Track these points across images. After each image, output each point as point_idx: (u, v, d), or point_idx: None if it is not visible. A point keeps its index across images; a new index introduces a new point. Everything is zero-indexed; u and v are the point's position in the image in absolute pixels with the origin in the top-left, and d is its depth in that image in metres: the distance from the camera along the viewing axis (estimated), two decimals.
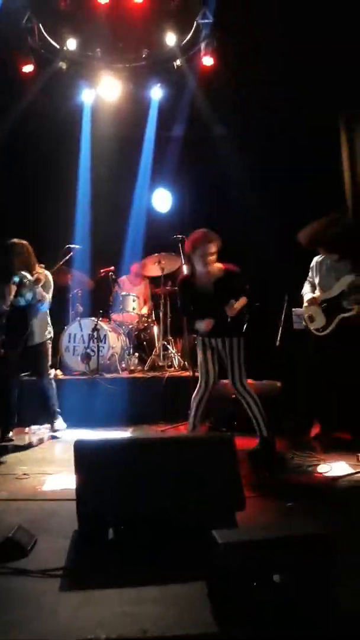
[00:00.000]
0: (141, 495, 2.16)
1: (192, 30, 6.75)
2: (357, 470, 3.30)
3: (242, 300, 3.96)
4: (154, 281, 6.59)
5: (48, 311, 4.69)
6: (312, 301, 4.23)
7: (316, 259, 4.28)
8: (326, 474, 3.27)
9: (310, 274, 4.38)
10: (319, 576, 1.57)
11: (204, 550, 1.78)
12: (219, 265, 3.92)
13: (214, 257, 3.88)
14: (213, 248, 3.85)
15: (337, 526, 2.32)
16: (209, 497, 2.18)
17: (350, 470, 3.32)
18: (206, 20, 6.59)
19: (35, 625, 1.61)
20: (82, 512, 2.16)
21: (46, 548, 2.17)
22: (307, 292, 4.36)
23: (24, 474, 3.33)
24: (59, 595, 1.80)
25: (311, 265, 4.36)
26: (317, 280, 4.26)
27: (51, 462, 3.66)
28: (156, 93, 7.16)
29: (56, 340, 5.82)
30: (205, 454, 2.29)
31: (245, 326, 4.11)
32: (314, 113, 6.16)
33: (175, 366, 5.93)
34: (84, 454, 2.26)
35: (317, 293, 4.22)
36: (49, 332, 4.71)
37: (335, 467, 3.37)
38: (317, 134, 6.29)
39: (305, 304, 4.33)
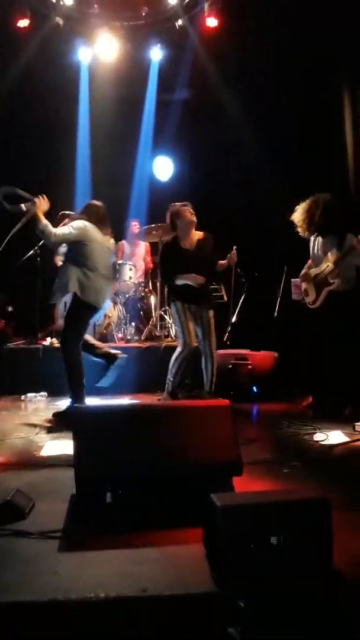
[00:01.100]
0: (138, 460, 2.17)
1: None
2: (354, 438, 3.33)
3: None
4: (152, 251, 6.51)
5: None
6: (304, 277, 4.45)
7: (312, 238, 4.46)
8: (322, 442, 3.30)
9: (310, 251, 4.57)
10: (317, 539, 1.58)
11: (201, 513, 1.79)
12: (198, 232, 4.41)
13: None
14: (194, 217, 4.35)
15: (334, 492, 2.33)
16: (206, 462, 2.19)
17: (346, 438, 3.35)
18: None
19: (36, 585, 1.62)
20: (80, 477, 2.16)
21: (44, 511, 2.18)
22: (305, 268, 4.54)
23: (21, 440, 3.34)
24: (58, 556, 1.81)
25: (310, 244, 4.54)
26: (312, 258, 4.47)
27: (49, 429, 3.66)
28: (156, 54, 6.93)
29: (52, 308, 5.80)
30: (203, 420, 2.29)
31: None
32: (319, 79, 5.99)
33: (172, 336, 5.92)
34: (82, 420, 2.25)
35: (312, 270, 4.43)
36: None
37: (331, 436, 3.40)
38: (321, 100, 6.13)
39: (300, 279, 4.54)
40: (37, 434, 3.52)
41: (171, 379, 4.36)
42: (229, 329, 5.97)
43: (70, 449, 2.84)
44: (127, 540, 1.90)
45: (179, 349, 4.34)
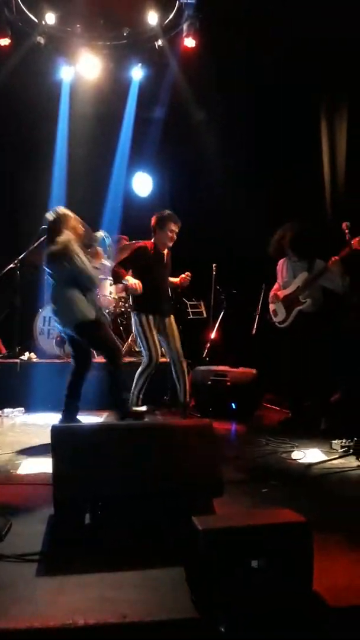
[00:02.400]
0: (118, 480, 2.15)
1: (175, 10, 6.62)
2: (330, 457, 3.37)
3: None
4: None
5: None
6: (274, 297, 4.65)
7: (281, 261, 4.69)
8: (300, 461, 3.33)
9: (278, 275, 4.76)
10: (297, 562, 1.59)
11: (182, 535, 1.78)
12: None
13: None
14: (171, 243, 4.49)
15: (312, 512, 2.35)
16: (187, 482, 2.18)
17: (323, 457, 3.39)
18: (189, 1, 6.46)
19: (13, 611, 1.58)
20: (59, 498, 2.13)
21: (21, 532, 2.14)
22: (273, 290, 4.74)
23: None
24: (36, 581, 1.77)
25: (277, 268, 4.75)
26: (280, 281, 4.68)
27: (26, 445, 3.61)
28: (137, 73, 7.02)
29: (31, 323, 5.74)
30: (184, 440, 2.29)
31: None
32: (296, 101, 6.14)
33: None
34: (61, 439, 2.23)
35: (280, 291, 4.63)
36: None
37: (309, 454, 3.43)
38: (298, 123, 6.27)
39: (270, 300, 4.72)
40: (14, 451, 3.46)
41: (136, 394, 4.34)
42: (208, 345, 6.00)
43: (48, 467, 2.81)
44: (106, 563, 1.87)
45: (145, 364, 4.33)
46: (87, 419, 4.58)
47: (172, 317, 4.48)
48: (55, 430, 2.23)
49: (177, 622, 1.51)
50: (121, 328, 6.30)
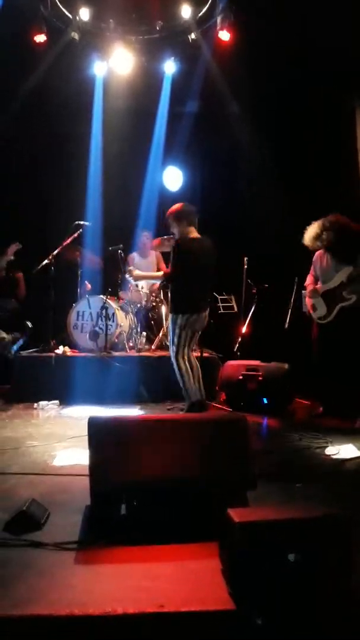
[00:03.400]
0: (154, 472, 2.17)
1: (209, 3, 6.56)
2: None
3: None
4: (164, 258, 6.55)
5: None
6: (313, 292, 4.55)
7: (317, 253, 4.60)
8: (334, 456, 3.29)
9: (312, 267, 4.69)
10: (336, 556, 1.58)
11: (217, 527, 1.79)
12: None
13: None
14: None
15: (347, 508, 2.32)
16: (221, 475, 2.19)
17: (358, 453, 3.34)
18: None
19: (51, 597, 1.62)
20: (95, 489, 2.17)
21: (59, 522, 2.19)
22: (309, 284, 4.67)
23: (34, 449, 3.36)
24: (74, 569, 1.82)
25: (313, 259, 4.66)
26: (318, 273, 4.58)
27: (61, 437, 3.68)
28: (169, 67, 6.99)
29: (65, 317, 5.84)
30: (218, 433, 2.30)
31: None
32: (331, 94, 6.02)
33: None
34: (98, 431, 2.26)
35: (319, 285, 4.54)
36: None
37: (343, 450, 3.38)
38: (332, 113, 6.16)
39: (307, 295, 4.63)
40: (49, 443, 3.53)
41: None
42: (239, 339, 5.98)
43: (82, 459, 2.88)
44: (142, 553, 1.91)
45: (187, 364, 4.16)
46: (122, 411, 4.65)
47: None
48: (92, 423, 2.27)
49: (213, 613, 1.52)
50: (152, 322, 6.34)
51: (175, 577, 1.74)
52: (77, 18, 6.21)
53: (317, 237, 4.45)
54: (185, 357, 4.11)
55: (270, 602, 1.53)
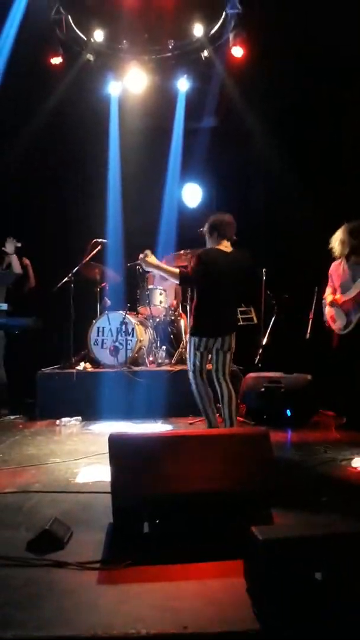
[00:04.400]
0: (176, 489, 2.15)
1: (220, 21, 6.66)
2: None
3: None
4: None
5: None
6: (333, 303, 4.50)
7: (334, 264, 4.57)
8: None
9: (330, 278, 4.64)
10: None
11: (241, 545, 1.76)
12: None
13: None
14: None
15: None
16: (245, 491, 2.16)
17: None
18: (235, 11, 6.48)
19: (76, 619, 1.61)
20: (117, 506, 2.16)
21: (82, 540, 2.18)
22: (328, 295, 4.62)
23: (57, 466, 3.37)
24: (98, 589, 1.80)
25: (329, 272, 4.63)
26: (336, 284, 4.53)
27: (82, 454, 3.68)
28: (183, 84, 7.10)
29: (85, 333, 5.88)
30: (241, 448, 2.27)
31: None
32: (348, 107, 6.01)
33: None
34: (119, 448, 2.26)
35: (338, 295, 4.48)
36: None
37: None
38: (352, 129, 6.13)
39: (326, 305, 4.58)
40: (72, 459, 3.54)
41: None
42: (260, 351, 5.93)
43: (105, 475, 2.87)
44: (166, 572, 1.88)
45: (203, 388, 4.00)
46: (143, 427, 4.65)
47: None
48: (113, 439, 2.26)
49: (238, 634, 1.49)
50: (172, 336, 6.35)
51: (200, 597, 1.71)
52: (92, 40, 6.37)
53: (343, 242, 4.42)
54: (200, 380, 3.89)
55: (296, 622, 1.49)
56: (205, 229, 4.02)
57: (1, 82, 5.65)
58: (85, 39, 6.39)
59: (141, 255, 3.93)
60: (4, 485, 2.95)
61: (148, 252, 3.93)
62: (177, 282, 3.99)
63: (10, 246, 5.54)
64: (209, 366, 3.95)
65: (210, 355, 3.90)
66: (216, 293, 3.83)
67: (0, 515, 2.47)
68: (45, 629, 1.55)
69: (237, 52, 6.59)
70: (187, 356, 4.00)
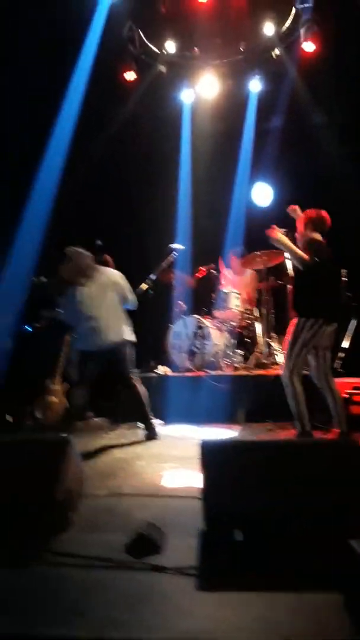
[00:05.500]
0: (269, 499, 2.17)
1: (291, 17, 6.57)
2: None
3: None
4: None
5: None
6: None
7: None
8: None
9: None
10: None
11: (337, 558, 1.75)
12: None
13: None
14: None
15: None
16: (340, 504, 2.13)
17: None
18: (306, 5, 6.37)
19: (174, 624, 1.66)
20: (209, 515, 2.21)
21: (175, 545, 2.24)
22: None
23: (143, 469, 3.49)
24: (196, 595, 1.85)
25: None
26: None
27: (167, 458, 3.77)
28: (255, 85, 7.06)
29: (163, 337, 6.03)
30: (335, 459, 2.24)
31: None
32: None
33: (280, 364, 5.85)
34: (211, 455, 2.30)
35: None
36: None
37: None
38: None
39: None
40: (157, 463, 3.64)
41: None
42: (340, 355, 5.77)
43: (192, 480, 2.94)
44: (260, 582, 1.90)
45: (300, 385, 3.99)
46: (218, 432, 4.68)
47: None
48: (206, 446, 2.31)
49: None
50: (247, 340, 6.33)
51: (296, 609, 1.72)
52: (164, 51, 6.50)
53: None
54: (298, 377, 3.85)
55: None
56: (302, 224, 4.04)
57: (82, 101, 5.92)
58: (157, 51, 6.54)
59: (270, 231, 3.92)
60: (97, 487, 3.09)
61: (278, 229, 3.95)
62: (301, 266, 3.87)
63: None
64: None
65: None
66: (335, 285, 3.98)
67: (96, 518, 2.59)
68: (148, 632, 1.62)
69: (309, 47, 6.47)
70: (289, 352, 3.87)
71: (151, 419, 4.49)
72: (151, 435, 4.42)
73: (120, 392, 5.37)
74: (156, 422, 4.91)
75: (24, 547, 2.22)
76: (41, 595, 1.87)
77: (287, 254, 4.25)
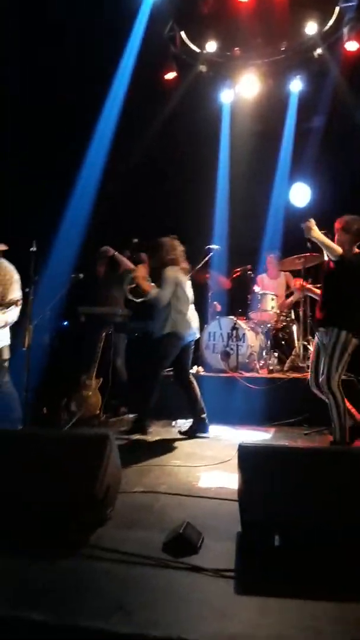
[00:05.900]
0: (307, 505, 2.14)
1: (335, 16, 6.46)
2: None
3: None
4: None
5: None
6: None
7: None
8: None
9: None
10: None
11: None
12: None
13: None
14: None
15: None
16: None
17: None
18: (350, 4, 6.26)
19: (213, 628, 1.65)
20: (246, 519, 2.19)
21: (212, 547, 2.23)
22: None
23: (179, 468, 3.49)
24: (235, 599, 1.84)
25: None
26: None
27: (201, 458, 3.77)
28: (296, 85, 6.99)
29: (197, 338, 6.00)
30: None
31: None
32: None
33: None
34: (249, 459, 2.29)
35: None
36: None
37: None
38: None
39: None
40: (191, 463, 3.63)
41: None
42: None
43: (227, 482, 2.94)
44: (302, 589, 1.87)
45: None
46: (252, 434, 4.65)
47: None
48: (244, 450, 2.30)
49: None
50: (283, 342, 6.26)
51: (341, 620, 1.68)
52: (205, 51, 6.49)
53: None
54: (339, 385, 3.76)
55: None
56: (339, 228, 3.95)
57: (123, 100, 5.97)
58: (198, 51, 6.55)
59: (305, 224, 3.87)
60: (133, 484, 3.11)
61: (312, 221, 3.88)
62: (335, 258, 3.83)
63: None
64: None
65: None
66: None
67: (133, 515, 2.61)
68: (187, 633, 1.62)
69: (352, 46, 6.36)
70: (332, 361, 3.75)
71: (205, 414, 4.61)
72: (203, 429, 4.57)
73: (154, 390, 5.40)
74: (188, 423, 4.93)
75: (64, 541, 2.25)
76: (82, 589, 1.89)
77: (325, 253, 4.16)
